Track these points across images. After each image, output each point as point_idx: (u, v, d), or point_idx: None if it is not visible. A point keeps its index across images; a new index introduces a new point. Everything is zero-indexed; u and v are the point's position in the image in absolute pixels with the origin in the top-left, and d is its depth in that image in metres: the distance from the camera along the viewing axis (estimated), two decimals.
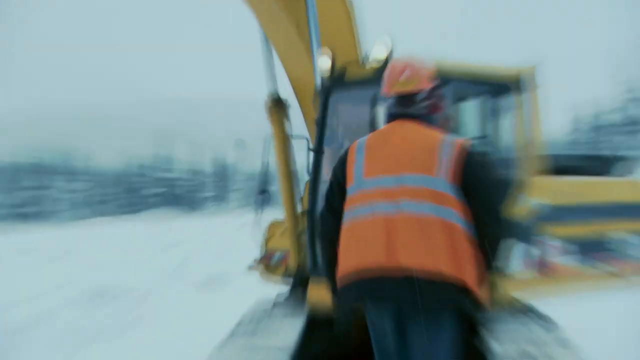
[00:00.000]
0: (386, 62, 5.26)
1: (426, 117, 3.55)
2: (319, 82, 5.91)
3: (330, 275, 3.60)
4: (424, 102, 3.54)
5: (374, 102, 5.36)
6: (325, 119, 5.77)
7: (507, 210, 3.78)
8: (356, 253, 3.36)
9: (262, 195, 6.81)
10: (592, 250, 5.76)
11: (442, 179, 3.33)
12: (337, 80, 5.71)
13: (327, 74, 5.69)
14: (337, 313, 3.81)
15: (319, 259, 5.43)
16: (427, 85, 3.54)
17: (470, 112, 6.24)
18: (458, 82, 5.19)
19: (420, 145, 3.40)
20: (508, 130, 5.77)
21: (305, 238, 6.06)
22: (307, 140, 6.68)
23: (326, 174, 5.88)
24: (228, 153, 77.35)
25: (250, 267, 7.01)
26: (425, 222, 3.26)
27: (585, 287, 5.70)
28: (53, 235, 31.54)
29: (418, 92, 3.52)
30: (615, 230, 5.94)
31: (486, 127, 5.93)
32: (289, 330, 5.07)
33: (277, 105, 6.56)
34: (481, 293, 3.32)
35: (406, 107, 3.53)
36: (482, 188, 3.37)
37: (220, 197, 74.68)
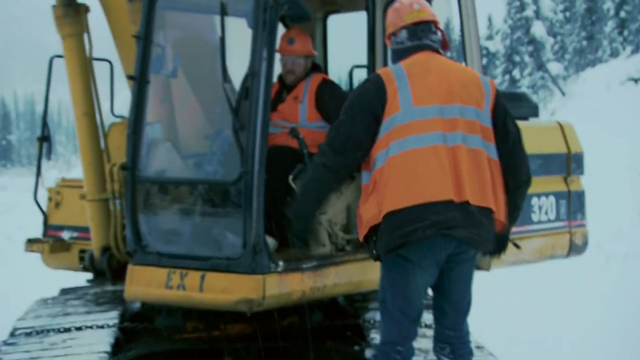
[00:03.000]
0: None
1: (440, 53, 4.05)
2: None
3: (314, 210, 4.29)
4: (437, 35, 4.03)
5: (224, 10, 4.67)
6: (151, 34, 5.09)
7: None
8: (417, 185, 3.75)
9: (44, 144, 6.17)
10: None
11: (488, 113, 3.93)
12: None
13: None
14: (381, 249, 3.95)
15: (146, 233, 5.13)
16: (436, 18, 4.04)
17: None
18: None
19: (466, 78, 3.93)
20: None
21: (117, 206, 5.70)
22: (111, 65, 6.13)
23: (151, 114, 5.23)
24: None
25: (30, 247, 6.38)
26: (479, 157, 3.85)
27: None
28: None
29: (432, 22, 4.00)
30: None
31: (373, 51, 5.34)
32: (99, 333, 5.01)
33: (72, 13, 5.78)
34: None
35: (425, 38, 3.99)
36: (512, 127, 4.04)
37: None
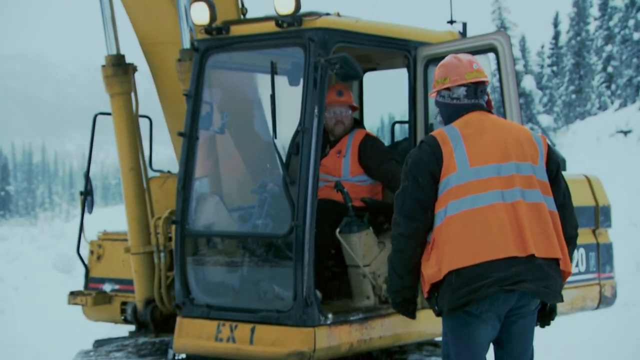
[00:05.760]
0: (293, 15, 4.78)
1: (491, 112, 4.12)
2: (187, 40, 5.43)
3: (409, 278, 4.03)
4: (486, 95, 4.10)
5: (274, 68, 4.75)
6: (201, 92, 5.16)
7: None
8: (481, 243, 3.77)
9: (86, 197, 6.12)
10: None
11: (543, 168, 3.96)
12: (220, 38, 5.13)
13: (203, 29, 5.10)
14: (446, 307, 3.92)
15: (194, 286, 5.15)
16: (488, 80, 4.13)
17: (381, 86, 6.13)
18: (367, 43, 5.21)
19: (520, 136, 3.97)
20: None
21: (164, 261, 5.66)
22: (150, 121, 6.19)
23: (200, 169, 5.29)
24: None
25: (73, 300, 6.25)
26: (540, 210, 3.87)
27: None
28: None
29: (486, 83, 4.08)
30: None
31: (414, 107, 5.46)
32: None
33: (121, 72, 5.85)
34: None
35: (479, 98, 4.05)
36: (562, 181, 4.07)
37: None
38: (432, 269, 3.87)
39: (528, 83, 39.68)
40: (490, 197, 3.81)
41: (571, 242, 4.04)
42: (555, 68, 45.63)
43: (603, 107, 37.68)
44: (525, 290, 3.77)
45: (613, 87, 38.72)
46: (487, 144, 3.90)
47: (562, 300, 3.98)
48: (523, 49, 45.00)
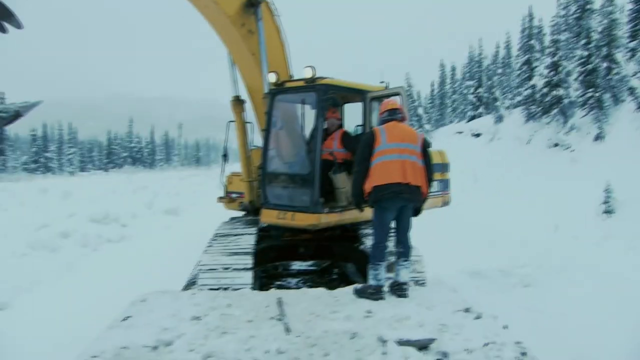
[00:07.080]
0: (312, 78, 4.71)
1: (401, 121, 4.02)
2: (266, 89, 5.27)
3: (360, 190, 3.90)
4: (401, 114, 4.03)
5: (303, 102, 4.85)
6: (272, 111, 5.10)
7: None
8: (387, 175, 3.76)
9: (224, 158, 6.02)
10: None
11: (419, 147, 3.93)
12: (280, 88, 5.09)
13: (273, 84, 5.07)
14: (371, 202, 3.85)
15: (269, 195, 5.01)
16: (400, 107, 4.08)
17: (353, 110, 5.79)
18: (345, 91, 4.94)
19: (412, 132, 3.93)
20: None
21: (256, 184, 5.53)
22: (253, 125, 5.86)
23: (271, 145, 5.13)
24: (170, 131, 67.83)
25: (220, 200, 6.22)
26: (415, 165, 3.85)
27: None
28: (61, 182, 24.18)
29: (399, 109, 4.03)
30: None
31: (365, 119, 5.38)
32: (250, 235, 4.85)
33: (238, 103, 5.79)
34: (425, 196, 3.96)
35: (395, 115, 4.00)
36: (428, 154, 4.00)
37: (166, 159, 61.37)
38: (368, 187, 3.90)
39: (421, 110, 37.51)
40: (394, 156, 3.82)
41: (430, 182, 4.00)
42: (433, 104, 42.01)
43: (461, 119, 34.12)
44: (405, 197, 3.81)
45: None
46: (396, 133, 3.88)
47: (421, 205, 3.94)
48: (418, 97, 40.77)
